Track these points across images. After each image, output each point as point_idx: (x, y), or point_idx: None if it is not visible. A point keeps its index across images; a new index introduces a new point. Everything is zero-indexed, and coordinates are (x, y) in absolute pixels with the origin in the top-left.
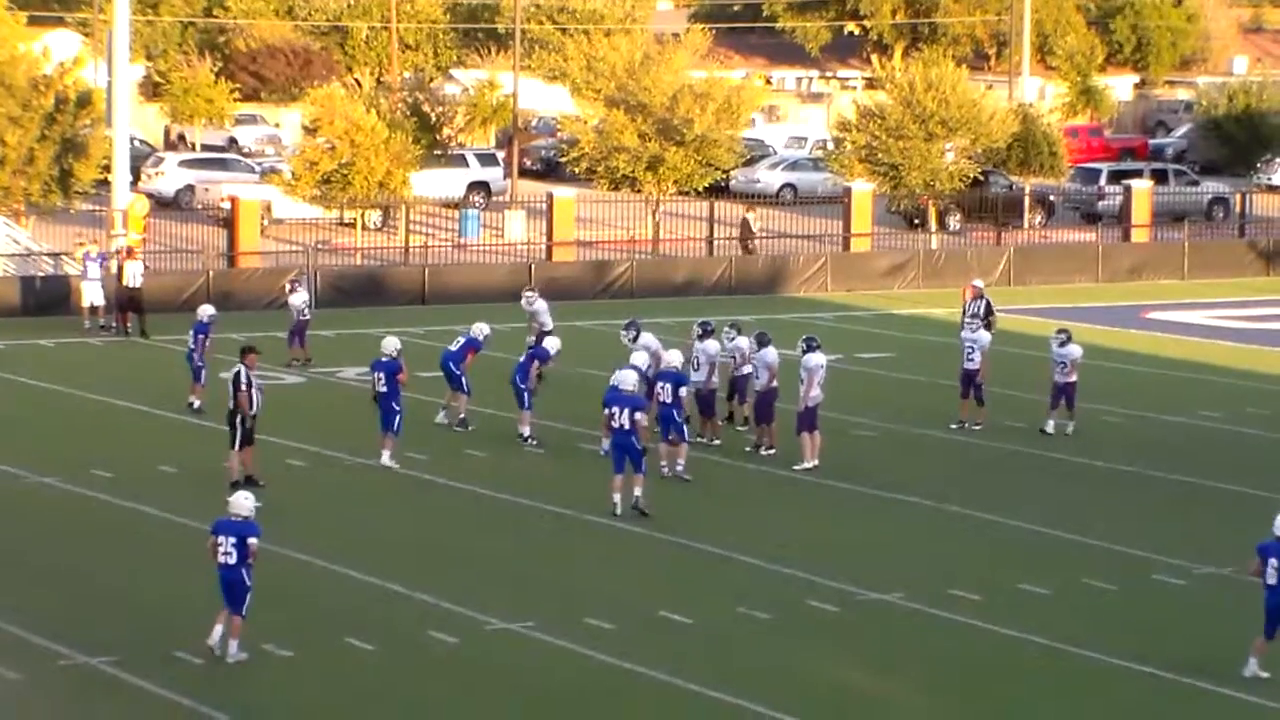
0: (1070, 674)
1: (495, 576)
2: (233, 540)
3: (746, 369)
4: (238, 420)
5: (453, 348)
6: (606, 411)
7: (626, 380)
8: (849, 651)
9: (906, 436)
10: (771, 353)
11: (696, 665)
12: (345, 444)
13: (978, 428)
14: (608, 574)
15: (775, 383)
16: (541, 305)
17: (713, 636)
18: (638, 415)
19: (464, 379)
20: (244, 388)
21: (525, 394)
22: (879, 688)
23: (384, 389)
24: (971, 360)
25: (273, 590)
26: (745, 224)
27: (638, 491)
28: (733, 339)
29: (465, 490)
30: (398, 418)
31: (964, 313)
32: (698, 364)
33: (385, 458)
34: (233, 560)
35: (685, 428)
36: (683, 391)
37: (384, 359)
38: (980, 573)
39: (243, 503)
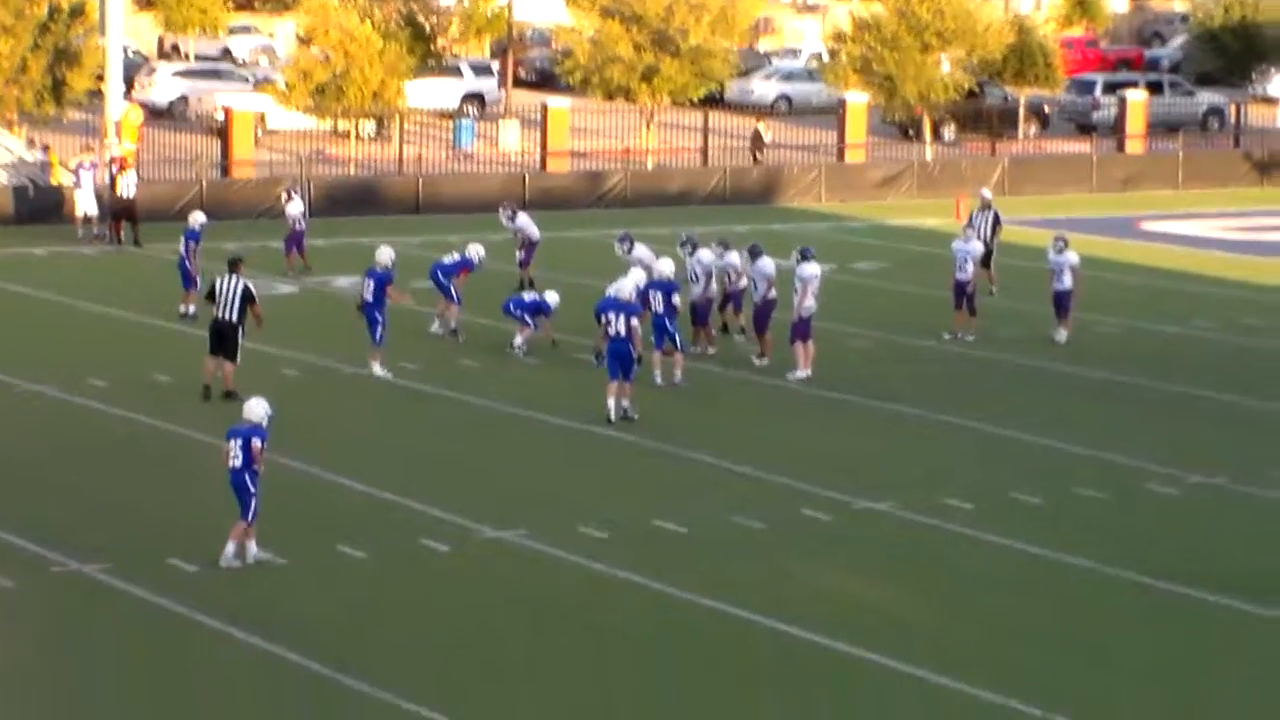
0: (1061, 583)
1: (487, 486)
2: (239, 443)
3: (743, 283)
4: (239, 333)
5: (446, 260)
6: (602, 319)
7: (623, 288)
8: (842, 560)
9: (900, 347)
10: (767, 263)
11: (690, 574)
12: (338, 354)
13: (970, 339)
14: (601, 483)
15: (774, 293)
16: (523, 220)
17: (706, 546)
18: (634, 321)
19: (454, 291)
20: (255, 299)
21: (523, 316)
22: (871, 595)
23: (370, 298)
24: (964, 271)
25: (265, 500)
26: (757, 135)
27: (625, 401)
28: (723, 256)
29: (458, 400)
30: (380, 328)
31: (969, 223)
32: (695, 276)
33: (376, 368)
34: (238, 463)
35: (680, 337)
36: (675, 300)
37: (378, 269)
38: (972, 482)
39: (254, 408)
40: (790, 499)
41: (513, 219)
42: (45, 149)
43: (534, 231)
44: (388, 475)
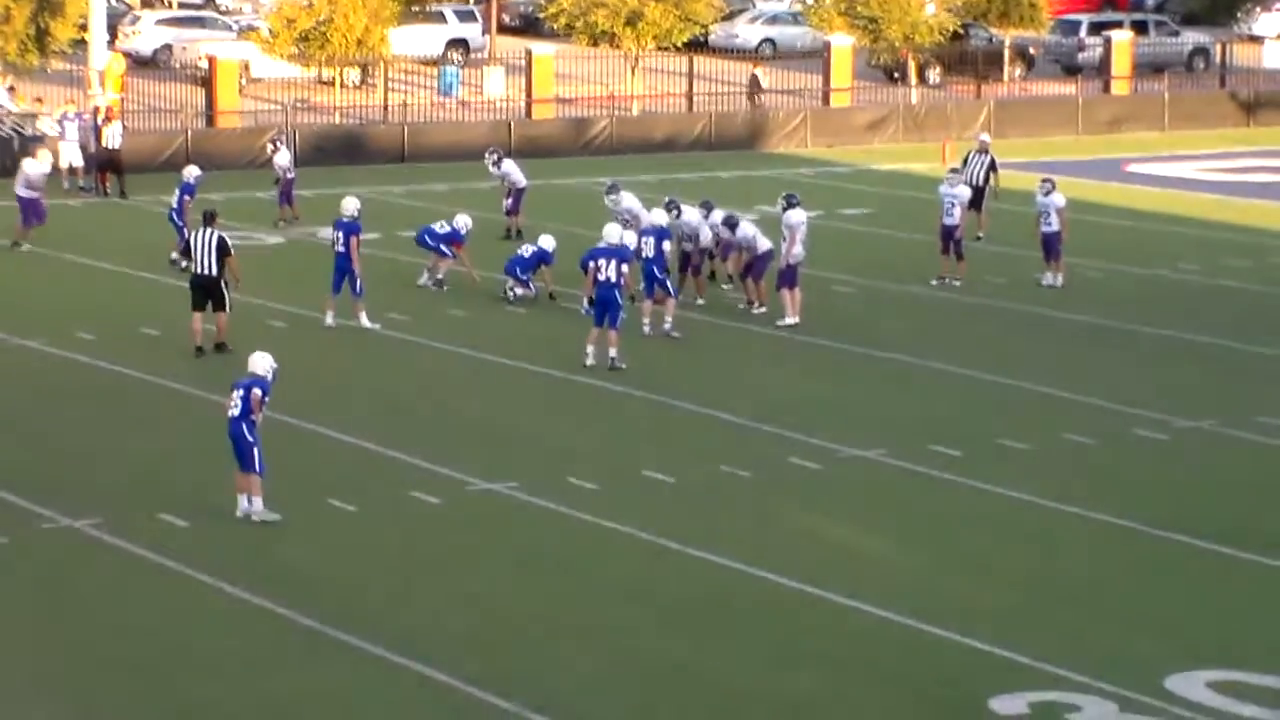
0: (1050, 528)
1: (477, 437)
2: (239, 393)
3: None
4: (224, 286)
5: (435, 228)
6: (592, 265)
7: (612, 233)
8: (830, 508)
9: (887, 293)
10: (746, 228)
11: (679, 523)
12: (319, 301)
13: (957, 283)
14: (590, 433)
15: (765, 245)
16: (509, 165)
17: (695, 495)
18: (624, 267)
19: (451, 252)
20: (231, 251)
21: (523, 281)
22: (860, 543)
23: (341, 249)
24: (950, 215)
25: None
26: (754, 80)
27: (612, 351)
28: (708, 217)
29: (447, 350)
30: (357, 280)
31: (958, 167)
32: (684, 236)
33: (363, 320)
34: (236, 412)
35: (669, 283)
36: (666, 246)
37: (344, 219)
38: (960, 428)
39: (259, 361)
40: (778, 447)
41: (498, 164)
42: (10, 90)
43: (520, 177)
44: (377, 428)
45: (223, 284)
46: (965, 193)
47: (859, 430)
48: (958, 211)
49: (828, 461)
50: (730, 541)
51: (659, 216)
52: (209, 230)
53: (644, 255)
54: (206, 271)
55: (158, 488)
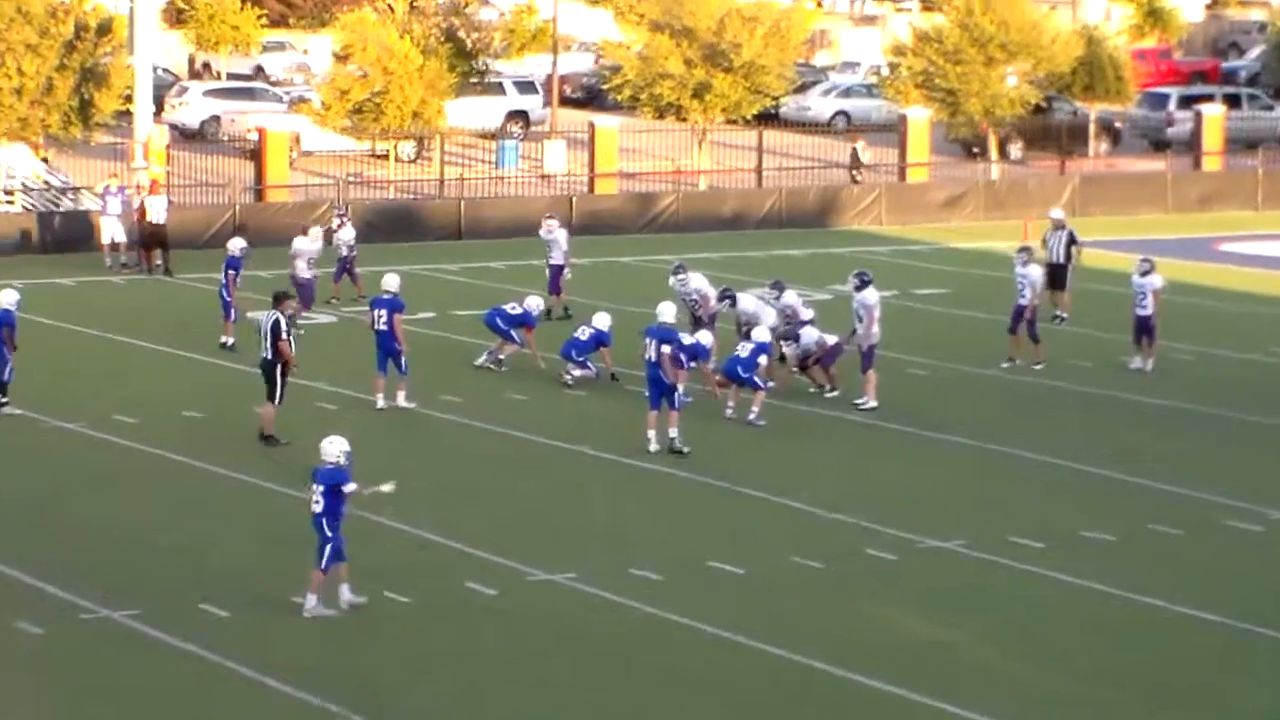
0: (1137, 624)
1: (536, 525)
2: (321, 488)
3: (809, 315)
4: (277, 372)
5: (507, 309)
6: (645, 343)
7: (664, 312)
8: (908, 602)
9: (963, 376)
10: (810, 332)
11: (748, 617)
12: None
13: (1038, 367)
14: (654, 522)
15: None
16: (561, 235)
17: (766, 587)
18: (665, 349)
19: (519, 338)
20: (283, 336)
21: (580, 363)
22: (939, 638)
23: (384, 327)
24: (1023, 296)
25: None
26: (854, 154)
27: (673, 431)
28: (778, 298)
29: (502, 434)
30: (401, 358)
31: (1024, 247)
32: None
33: (400, 399)
34: (318, 508)
35: (757, 377)
36: (762, 360)
37: (385, 296)
38: (1041, 518)
39: (329, 448)
40: (853, 537)
41: (550, 232)
42: (44, 161)
43: (561, 251)
44: (432, 515)
45: (277, 370)
46: (1036, 272)
47: (937, 520)
48: (1029, 292)
49: (905, 552)
50: (802, 636)
51: (761, 333)
52: (271, 312)
53: (738, 355)
54: (263, 354)
55: (198, 578)
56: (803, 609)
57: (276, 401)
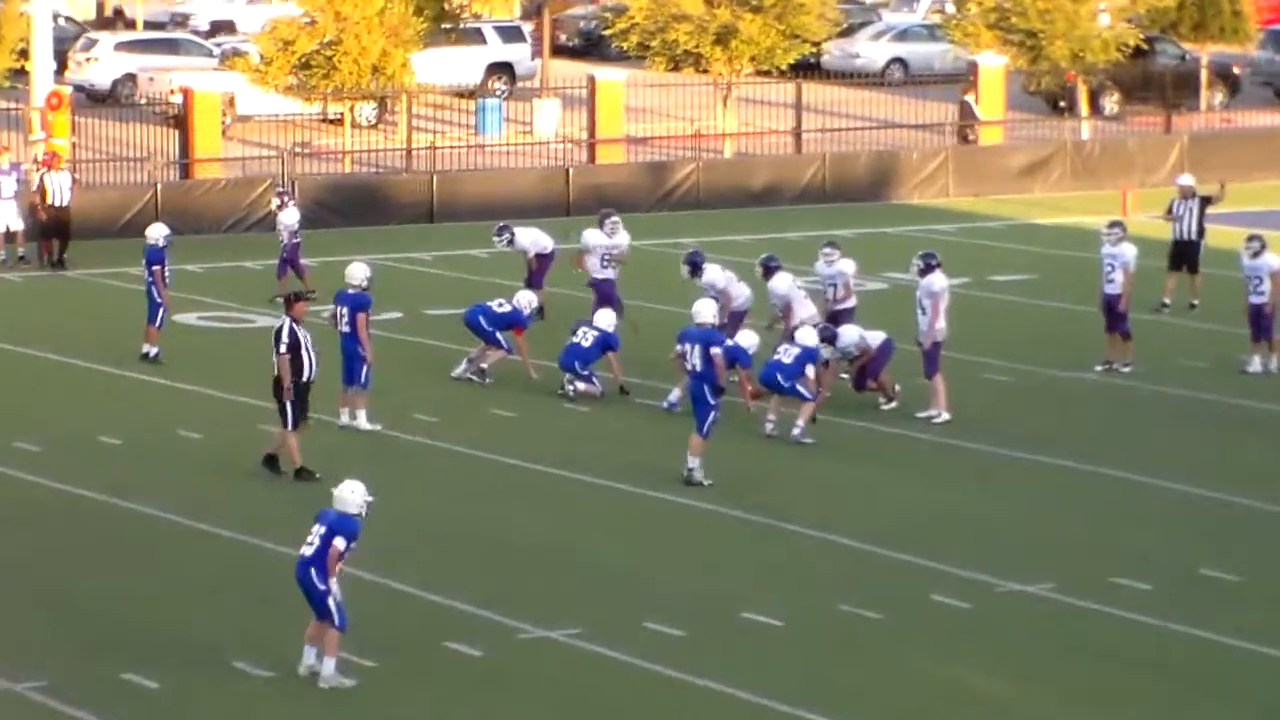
0: (1266, 678)
1: (529, 572)
2: (321, 530)
3: (850, 302)
4: (292, 390)
5: (494, 307)
6: (678, 350)
7: (703, 312)
8: (985, 660)
9: (1052, 381)
10: (850, 330)
11: (788, 679)
12: (331, 401)
13: (1126, 369)
14: (672, 564)
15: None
16: (526, 237)
17: (809, 642)
18: (715, 351)
19: (504, 341)
20: (281, 348)
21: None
22: (1023, 705)
23: (347, 329)
24: (1112, 283)
25: (246, 592)
26: (965, 108)
27: (693, 462)
28: (833, 261)
29: (488, 460)
30: (365, 367)
31: (1169, 215)
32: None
33: (362, 420)
34: (309, 552)
35: (802, 386)
36: (809, 370)
37: (350, 290)
38: (1150, 555)
39: (346, 496)
40: (916, 580)
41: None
42: None
43: (544, 243)
44: (403, 560)
45: (279, 388)
46: (1130, 252)
47: (1020, 558)
48: (1119, 276)
49: (981, 598)
50: (854, 702)
51: (808, 335)
52: (283, 320)
53: (779, 360)
54: (276, 372)
55: (118, 639)
56: (853, 669)
57: (290, 427)
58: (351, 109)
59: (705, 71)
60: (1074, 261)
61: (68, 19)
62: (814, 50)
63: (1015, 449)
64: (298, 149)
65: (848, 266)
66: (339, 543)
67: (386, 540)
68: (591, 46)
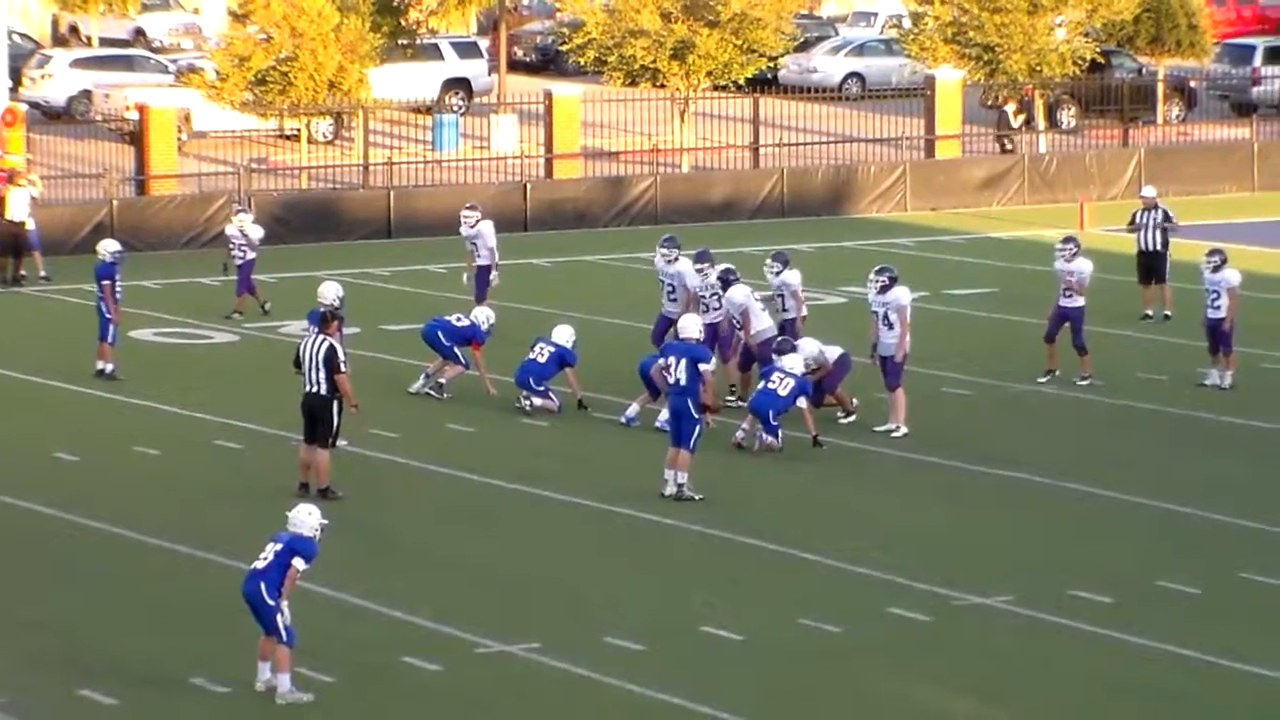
0: (1228, 694)
1: (488, 584)
2: (277, 547)
3: (803, 311)
4: (334, 409)
5: (452, 321)
6: (660, 363)
7: (689, 326)
8: (941, 673)
9: (1009, 395)
10: (809, 344)
11: (747, 694)
12: (290, 418)
13: (1084, 382)
14: (633, 579)
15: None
16: (485, 228)
17: (768, 657)
18: (705, 367)
19: (462, 357)
20: (342, 366)
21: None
22: (983, 718)
23: None
24: (1068, 297)
25: (204, 609)
26: (1004, 117)
27: (682, 477)
28: (779, 272)
29: (446, 475)
30: None
31: (1131, 227)
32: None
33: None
34: (261, 566)
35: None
36: (802, 403)
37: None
38: (1109, 567)
39: (303, 518)
40: (875, 593)
41: (474, 226)
42: None
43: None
44: (361, 575)
45: (334, 407)
46: (1086, 267)
47: (979, 570)
48: (1075, 291)
49: (939, 611)
50: (812, 716)
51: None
52: (320, 336)
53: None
54: (313, 389)
55: (77, 657)
56: (812, 683)
57: (331, 445)
58: (308, 125)
59: (662, 86)
60: (1034, 275)
61: (23, 35)
62: (771, 65)
63: (974, 462)
64: (254, 165)
65: (792, 277)
66: (299, 563)
67: (344, 555)
68: (548, 62)
